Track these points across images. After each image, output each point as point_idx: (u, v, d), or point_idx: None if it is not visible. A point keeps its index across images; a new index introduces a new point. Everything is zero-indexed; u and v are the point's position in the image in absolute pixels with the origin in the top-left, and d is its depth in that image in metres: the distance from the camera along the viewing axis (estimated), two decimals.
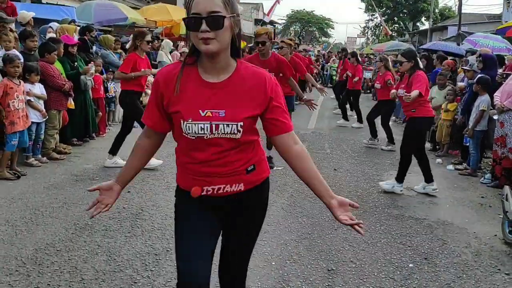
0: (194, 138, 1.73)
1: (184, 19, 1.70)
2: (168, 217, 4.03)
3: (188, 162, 1.81)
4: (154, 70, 5.76)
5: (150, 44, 5.83)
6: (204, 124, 1.70)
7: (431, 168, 5.24)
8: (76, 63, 6.47)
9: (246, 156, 1.82)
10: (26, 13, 6.53)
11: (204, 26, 1.61)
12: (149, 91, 6.19)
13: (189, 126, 1.71)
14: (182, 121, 1.72)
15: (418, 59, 5.45)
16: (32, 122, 5.36)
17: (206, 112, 1.71)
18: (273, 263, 3.32)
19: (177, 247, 1.88)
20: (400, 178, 5.18)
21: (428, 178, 5.22)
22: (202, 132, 1.71)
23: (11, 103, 4.95)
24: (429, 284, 3.14)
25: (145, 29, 14.69)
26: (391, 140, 7.64)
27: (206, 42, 1.63)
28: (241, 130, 1.73)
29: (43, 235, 3.58)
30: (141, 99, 6.21)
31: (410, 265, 3.42)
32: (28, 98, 5.29)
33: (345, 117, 10.08)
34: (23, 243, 3.41)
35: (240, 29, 1.74)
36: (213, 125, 1.70)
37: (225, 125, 1.71)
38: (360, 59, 10.37)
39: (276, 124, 1.80)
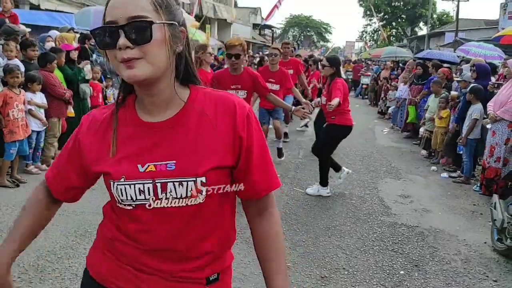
0: (131, 208, 1.15)
1: (91, 32, 1.16)
2: None
3: (123, 241, 1.21)
4: None
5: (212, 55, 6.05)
6: (144, 184, 1.13)
7: (425, 176, 5.35)
8: (75, 70, 6.56)
9: (210, 248, 1.20)
10: (24, 28, 6.67)
11: (122, 40, 1.05)
12: None
13: (121, 189, 1.14)
14: (112, 183, 1.15)
15: (341, 68, 5.69)
16: (33, 131, 5.46)
17: (148, 166, 1.13)
18: None
19: None
20: (323, 182, 5.36)
21: (324, 182, 5.37)
22: (143, 196, 1.13)
23: (11, 112, 5.04)
24: None
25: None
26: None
27: (129, 66, 1.06)
28: (204, 191, 1.13)
29: (44, 242, 3.67)
30: None
31: (401, 272, 3.53)
32: (29, 107, 5.40)
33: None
34: (25, 251, 3.49)
35: (188, 44, 1.18)
36: (158, 184, 1.12)
37: (176, 184, 1.12)
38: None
39: (252, 180, 1.21)
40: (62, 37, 7.07)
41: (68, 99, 6.00)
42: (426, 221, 4.72)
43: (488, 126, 5.75)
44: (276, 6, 25.43)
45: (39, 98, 5.61)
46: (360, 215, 4.78)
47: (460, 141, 6.44)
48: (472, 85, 6.53)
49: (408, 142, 9.17)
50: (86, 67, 6.69)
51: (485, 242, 4.23)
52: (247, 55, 5.33)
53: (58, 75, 6.06)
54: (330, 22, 75.86)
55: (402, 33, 44.72)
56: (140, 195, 1.13)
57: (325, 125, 5.47)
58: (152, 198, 1.13)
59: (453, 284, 3.38)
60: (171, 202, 1.13)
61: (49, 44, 6.55)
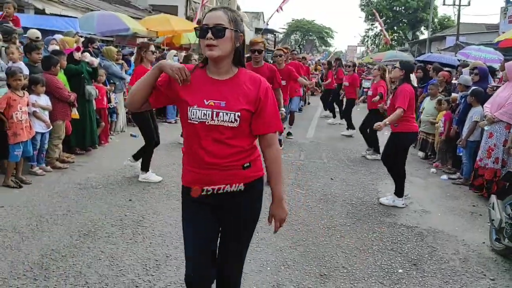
0: (197, 122, 2.03)
1: (195, 29, 2.09)
2: (168, 225, 4.19)
3: (192, 153, 2.09)
4: None
5: (154, 54, 6.01)
6: (206, 110, 2.02)
7: (424, 178, 5.39)
8: (78, 65, 6.63)
9: (243, 151, 2.09)
10: (36, 32, 6.75)
11: (209, 35, 2.00)
12: None
13: (193, 112, 2.03)
14: (188, 108, 2.04)
15: (412, 74, 5.48)
16: (37, 132, 5.53)
17: (209, 102, 2.04)
18: (268, 269, 3.47)
19: (184, 245, 2.20)
20: (398, 193, 5.20)
21: (399, 193, 5.21)
22: (205, 117, 2.02)
23: (14, 114, 5.11)
24: None
25: (146, 39, 14.93)
26: (376, 149, 7.77)
27: (210, 49, 2.00)
28: (238, 120, 2.03)
29: (48, 241, 3.74)
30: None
31: (400, 270, 3.58)
32: (33, 109, 5.48)
33: (350, 126, 10.16)
34: (29, 249, 3.57)
35: (243, 43, 2.10)
36: (214, 112, 2.02)
37: (224, 114, 2.02)
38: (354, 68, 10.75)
39: (260, 123, 2.11)
40: (63, 40, 7.16)
41: (72, 101, 6.08)
42: (425, 222, 4.77)
43: (486, 128, 5.79)
44: (277, 10, 25.54)
45: (44, 100, 5.69)
46: (360, 215, 4.83)
47: (460, 143, 6.49)
48: (473, 88, 6.59)
49: None
50: (88, 57, 6.73)
51: (484, 242, 4.28)
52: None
53: (61, 78, 6.15)
54: (332, 26, 75.89)
55: (403, 37, 44.80)
56: (203, 116, 2.03)
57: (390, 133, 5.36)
58: (209, 119, 2.03)
59: (451, 283, 3.43)
60: (219, 123, 2.03)
61: (53, 47, 6.63)
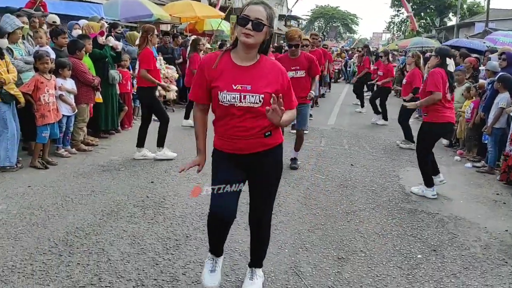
0: (227, 105, 2.37)
1: (237, 16, 2.39)
2: (188, 206, 4.26)
3: (222, 128, 2.47)
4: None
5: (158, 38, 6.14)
6: (235, 94, 2.36)
7: (448, 165, 5.28)
8: (103, 50, 6.75)
9: (264, 124, 2.44)
10: (53, 16, 6.92)
11: (249, 26, 2.30)
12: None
13: (224, 96, 2.37)
14: (219, 92, 2.37)
15: (449, 59, 5.01)
16: (63, 115, 5.67)
17: (237, 86, 2.36)
18: (286, 251, 3.50)
19: (213, 187, 2.54)
20: (427, 183, 5.05)
21: (427, 183, 5.06)
22: (234, 100, 2.36)
23: (42, 97, 5.26)
24: (435, 274, 3.27)
25: (169, 25, 14.98)
26: (409, 138, 7.65)
27: (247, 36, 2.31)
28: (262, 101, 2.37)
29: (73, 219, 3.85)
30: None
31: (419, 256, 3.56)
32: (60, 92, 5.60)
33: (376, 111, 10.08)
34: (55, 227, 3.69)
35: (271, 36, 2.45)
36: (242, 96, 2.36)
37: (250, 96, 2.36)
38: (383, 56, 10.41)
39: (285, 102, 2.39)
40: (89, 25, 7.26)
41: (96, 85, 6.20)
42: (447, 209, 4.71)
43: None
44: None
45: (69, 84, 5.81)
46: (380, 201, 4.80)
47: (486, 130, 6.35)
48: (500, 73, 6.42)
49: None
50: (112, 41, 6.85)
51: (507, 230, 4.20)
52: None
53: (87, 62, 6.26)
54: (356, 13, 74.85)
55: (430, 24, 43.73)
56: (232, 99, 2.36)
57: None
58: (238, 101, 2.36)
59: (471, 269, 3.39)
60: (246, 104, 2.37)
61: (76, 32, 6.74)
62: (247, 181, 2.64)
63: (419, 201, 4.90)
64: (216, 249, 2.74)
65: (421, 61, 8.16)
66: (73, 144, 6.06)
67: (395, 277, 3.19)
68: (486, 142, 6.51)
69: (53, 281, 2.88)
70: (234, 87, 2.36)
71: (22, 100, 5.05)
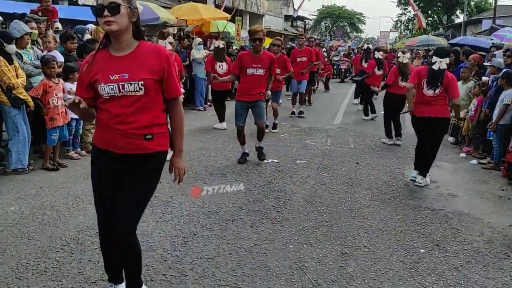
0: (108, 97, 2.28)
1: (91, 7, 2.34)
2: (195, 205, 4.36)
3: (105, 119, 2.33)
4: None
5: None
6: (113, 85, 2.26)
7: (453, 162, 5.34)
8: None
9: (148, 122, 2.33)
10: (56, 23, 7.13)
11: (106, 13, 2.20)
12: None
13: (102, 88, 2.27)
14: (98, 86, 2.28)
15: (440, 58, 5.21)
16: (72, 118, 5.80)
17: (115, 76, 2.26)
18: (291, 247, 3.58)
19: (94, 195, 2.53)
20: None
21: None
22: (113, 91, 2.26)
23: (51, 100, 5.39)
24: (437, 267, 3.33)
25: (176, 28, 15.11)
26: (395, 133, 7.82)
27: (109, 24, 2.21)
28: (143, 88, 2.27)
29: (84, 219, 3.96)
30: None
31: (422, 250, 3.62)
32: (69, 96, 5.71)
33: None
34: (66, 226, 3.81)
35: (138, 18, 2.34)
36: (120, 85, 2.26)
37: (128, 84, 2.26)
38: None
39: (167, 89, 2.38)
40: (97, 30, 7.40)
41: None
42: (451, 205, 4.75)
43: None
44: None
45: None
46: (384, 198, 4.86)
47: (491, 127, 6.37)
48: (504, 70, 6.45)
49: None
50: None
51: (510, 225, 4.24)
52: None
53: None
54: (363, 12, 74.84)
55: (438, 21, 43.48)
56: (111, 91, 2.27)
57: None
58: (117, 92, 2.26)
59: (473, 262, 3.45)
60: (126, 93, 2.27)
61: (88, 36, 6.90)
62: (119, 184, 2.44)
63: (423, 197, 4.95)
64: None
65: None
66: (82, 146, 6.19)
67: (397, 271, 3.25)
68: (491, 139, 6.53)
69: (66, 277, 2.99)
70: (112, 78, 2.25)
71: (31, 104, 5.19)
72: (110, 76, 2.26)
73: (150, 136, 2.34)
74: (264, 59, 5.76)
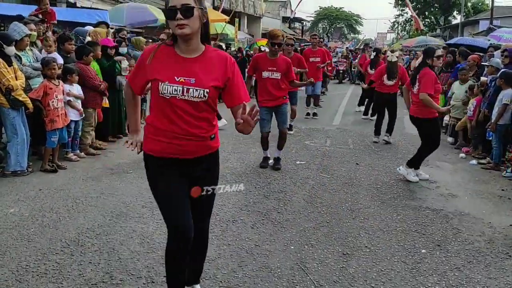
0: (168, 97, 2.19)
1: (163, 10, 2.29)
2: None
3: (163, 125, 2.24)
4: None
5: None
6: (177, 86, 2.19)
7: (453, 163, 5.36)
8: (111, 62, 6.88)
9: (209, 124, 2.31)
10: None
11: (179, 15, 2.10)
12: None
13: (165, 87, 2.18)
14: (160, 83, 2.19)
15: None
16: (71, 120, 5.78)
17: (180, 78, 2.19)
18: (292, 247, 3.57)
19: (161, 203, 2.37)
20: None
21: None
22: (175, 93, 2.18)
23: (51, 102, 5.37)
24: (439, 268, 3.33)
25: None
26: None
27: (181, 27, 2.12)
28: (207, 96, 2.21)
29: (84, 221, 3.95)
30: None
31: (423, 251, 3.61)
32: (68, 98, 5.72)
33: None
34: (66, 228, 3.79)
35: (207, 19, 2.25)
36: (185, 89, 2.19)
37: (194, 90, 2.19)
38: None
39: (232, 95, 2.32)
40: (96, 32, 7.39)
41: (103, 90, 6.31)
42: (452, 205, 4.75)
43: None
44: None
45: (77, 89, 5.92)
46: (385, 199, 4.86)
47: (490, 127, 6.38)
48: (502, 70, 6.46)
49: None
50: (124, 63, 6.98)
51: (511, 225, 4.24)
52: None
53: (95, 67, 6.38)
54: (360, 13, 75.04)
55: (435, 22, 43.58)
56: (174, 92, 2.19)
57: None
58: (180, 94, 2.19)
59: (474, 262, 3.44)
60: (190, 97, 2.20)
61: (89, 38, 6.91)
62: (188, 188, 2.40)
63: (424, 198, 4.95)
64: None
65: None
66: (81, 148, 6.17)
67: (399, 271, 3.25)
68: (490, 139, 6.53)
69: (66, 280, 2.97)
70: (177, 79, 2.18)
71: (30, 106, 5.16)
72: (176, 77, 2.19)
73: (213, 136, 2.35)
74: (281, 63, 5.59)
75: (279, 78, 5.59)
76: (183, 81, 2.18)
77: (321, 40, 12.28)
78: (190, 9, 2.11)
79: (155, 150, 2.31)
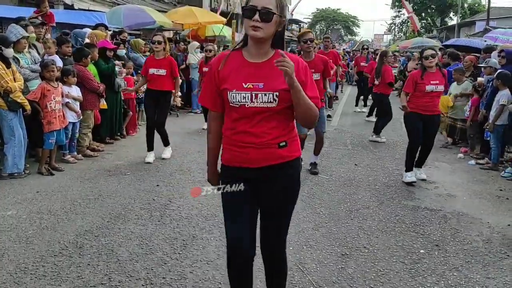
0: (238, 106, 2.07)
1: (242, 7, 2.10)
2: (194, 208, 4.33)
3: (232, 133, 2.14)
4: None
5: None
6: (245, 93, 2.06)
7: (451, 163, 5.37)
8: (110, 64, 6.87)
9: (280, 130, 2.11)
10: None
11: (256, 17, 2.00)
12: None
13: (233, 96, 2.07)
14: (228, 92, 2.08)
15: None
16: (69, 122, 5.77)
17: (248, 85, 2.07)
18: (291, 248, 3.55)
19: (225, 221, 2.27)
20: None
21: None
22: (244, 100, 2.06)
23: (48, 104, 5.36)
24: (438, 268, 3.33)
25: (172, 32, 15.11)
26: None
27: (254, 29, 2.02)
28: (277, 99, 2.05)
29: (82, 223, 3.94)
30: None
31: (421, 251, 3.61)
32: (66, 100, 5.71)
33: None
34: (64, 230, 3.78)
35: (284, 28, 2.14)
36: (253, 95, 2.05)
37: (263, 95, 2.05)
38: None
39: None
40: (94, 34, 7.38)
41: (101, 92, 6.30)
42: (450, 205, 4.76)
43: None
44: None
45: (75, 91, 5.92)
46: (383, 199, 4.86)
47: (488, 127, 6.40)
48: (499, 71, 6.48)
49: None
50: (118, 68, 7.00)
51: (509, 225, 4.25)
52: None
53: (92, 69, 6.37)
54: (357, 15, 75.30)
55: (431, 23, 43.72)
56: (243, 99, 2.06)
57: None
58: (249, 102, 2.06)
59: (473, 262, 3.44)
60: (259, 105, 2.06)
61: (88, 40, 6.92)
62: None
63: (422, 198, 4.95)
64: None
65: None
66: (79, 150, 6.15)
67: (398, 272, 3.25)
68: (488, 139, 6.55)
69: (65, 282, 2.96)
70: (245, 86, 2.06)
71: (28, 107, 5.15)
72: (243, 83, 2.07)
73: (284, 143, 2.13)
74: (317, 62, 5.43)
75: (319, 79, 5.43)
76: (251, 87, 2.06)
77: (333, 44, 12.36)
78: (270, 14, 2.01)
79: (225, 159, 2.24)
